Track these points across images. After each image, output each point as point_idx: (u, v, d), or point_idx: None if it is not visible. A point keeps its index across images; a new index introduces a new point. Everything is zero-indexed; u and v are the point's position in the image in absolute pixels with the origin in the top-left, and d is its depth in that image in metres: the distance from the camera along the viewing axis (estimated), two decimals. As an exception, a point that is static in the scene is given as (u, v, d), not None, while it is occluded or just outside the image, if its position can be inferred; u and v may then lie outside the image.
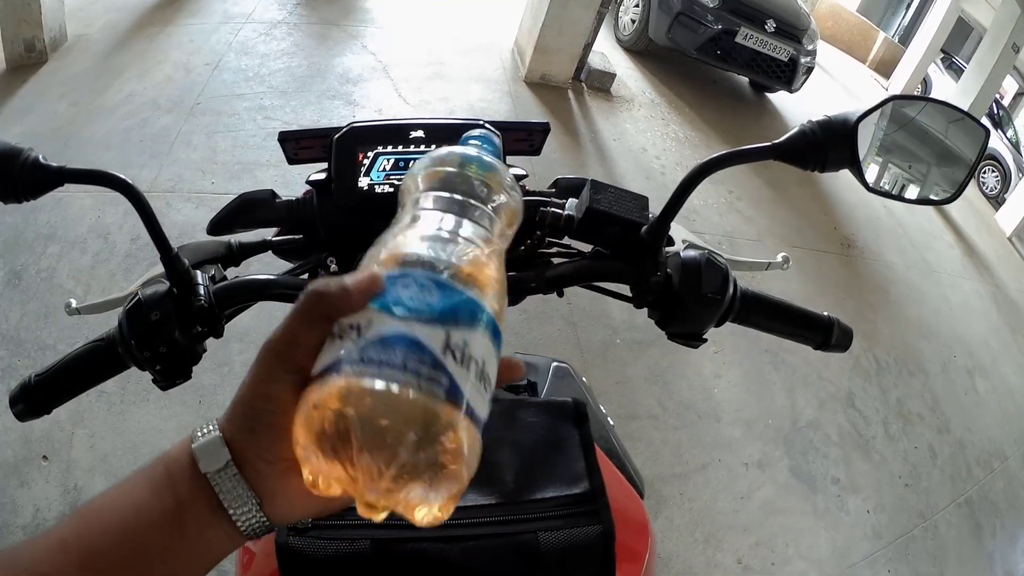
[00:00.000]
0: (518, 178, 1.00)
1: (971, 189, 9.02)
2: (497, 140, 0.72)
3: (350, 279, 0.48)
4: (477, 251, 0.52)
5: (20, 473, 2.53)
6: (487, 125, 1.03)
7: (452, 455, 0.43)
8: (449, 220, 0.54)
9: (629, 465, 1.27)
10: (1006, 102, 11.71)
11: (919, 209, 6.79)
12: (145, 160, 4.05)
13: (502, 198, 0.59)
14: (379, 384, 0.42)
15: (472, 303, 0.48)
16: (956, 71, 12.12)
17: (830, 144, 0.88)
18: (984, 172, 10.61)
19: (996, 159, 10.52)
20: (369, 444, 0.42)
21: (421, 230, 0.53)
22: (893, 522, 3.42)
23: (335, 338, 0.47)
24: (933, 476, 3.80)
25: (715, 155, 0.91)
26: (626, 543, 0.90)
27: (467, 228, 0.54)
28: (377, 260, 0.51)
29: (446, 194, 0.57)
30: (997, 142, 10.72)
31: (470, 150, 0.63)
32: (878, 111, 0.91)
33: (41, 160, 0.84)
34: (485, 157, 0.61)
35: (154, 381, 0.94)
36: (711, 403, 3.57)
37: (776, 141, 0.90)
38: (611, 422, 1.37)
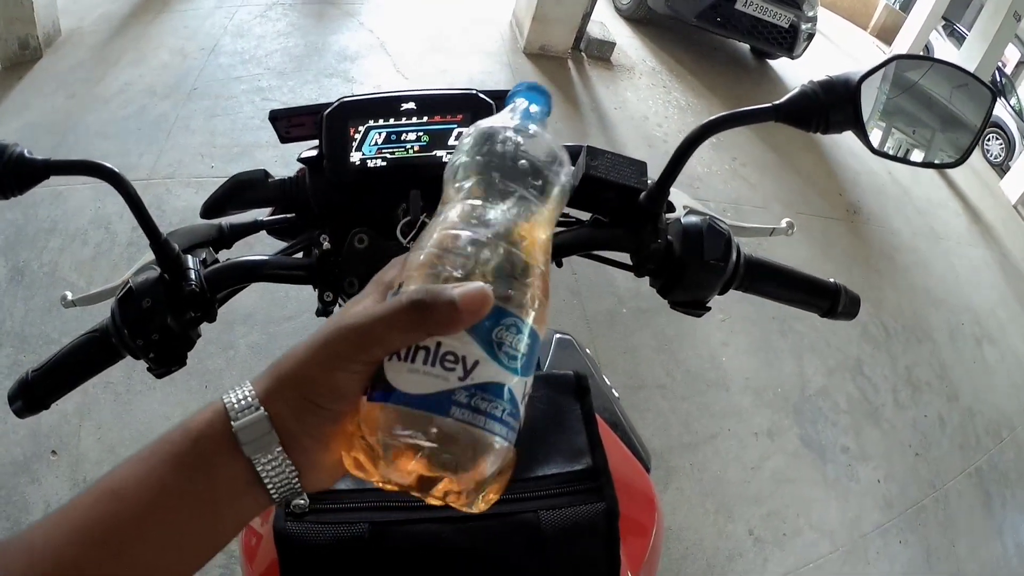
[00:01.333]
0: None
1: (975, 156, 8.99)
2: (545, 100, 0.71)
3: (459, 293, 0.46)
4: (541, 270, 0.54)
5: (30, 470, 2.53)
6: (481, 95, 1.02)
7: (501, 486, 0.51)
8: (519, 247, 0.54)
9: (635, 438, 1.25)
10: (1009, 70, 11.61)
11: (924, 176, 6.77)
12: (144, 147, 4.05)
13: (555, 190, 0.59)
14: (479, 433, 0.47)
15: (539, 344, 0.53)
16: (958, 38, 12.03)
17: (832, 105, 0.85)
18: (988, 140, 10.57)
19: (1000, 127, 10.47)
20: (435, 470, 0.47)
21: (491, 248, 0.53)
22: (904, 492, 3.42)
23: (434, 360, 0.48)
24: (943, 445, 3.80)
25: (714, 117, 0.89)
26: (632, 517, 0.89)
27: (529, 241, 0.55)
28: (463, 289, 0.48)
29: (512, 194, 0.57)
30: (1001, 110, 10.64)
31: (525, 118, 0.64)
32: (881, 71, 0.89)
33: (26, 154, 0.85)
34: (543, 141, 0.61)
35: (149, 369, 0.93)
36: (719, 372, 3.56)
37: (777, 102, 0.87)
38: (616, 394, 1.35)
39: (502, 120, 0.63)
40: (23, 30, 4.80)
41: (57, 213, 3.53)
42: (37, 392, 0.95)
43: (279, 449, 0.48)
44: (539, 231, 0.57)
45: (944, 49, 12.23)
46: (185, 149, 4.09)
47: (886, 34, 14.16)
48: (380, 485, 0.51)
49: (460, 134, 0.99)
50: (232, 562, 2.33)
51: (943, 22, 12.33)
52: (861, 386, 3.87)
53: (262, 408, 0.49)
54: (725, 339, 3.74)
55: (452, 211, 0.56)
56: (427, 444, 0.46)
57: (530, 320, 0.52)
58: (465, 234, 0.53)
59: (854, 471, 3.40)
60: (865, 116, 0.85)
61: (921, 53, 11.10)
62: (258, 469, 0.48)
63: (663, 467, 3.00)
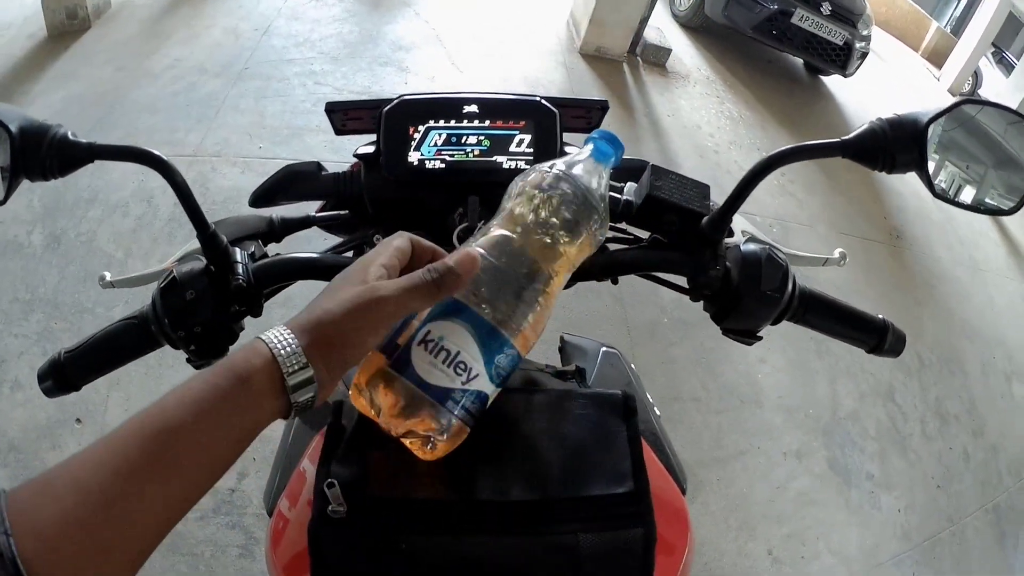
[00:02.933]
0: None
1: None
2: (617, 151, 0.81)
3: (454, 261, 0.65)
4: (540, 323, 0.73)
5: (53, 435, 2.55)
6: (545, 102, 1.02)
7: (449, 447, 0.71)
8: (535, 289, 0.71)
9: (672, 458, 1.25)
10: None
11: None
12: (192, 124, 4.07)
13: (594, 228, 0.75)
14: (454, 422, 0.69)
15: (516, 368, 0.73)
16: (1007, 66, 11.90)
17: (899, 145, 0.84)
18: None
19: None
20: (420, 433, 0.69)
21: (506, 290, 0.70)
22: (923, 523, 3.37)
23: (450, 363, 0.68)
24: (965, 479, 3.74)
25: (782, 149, 0.88)
26: (664, 537, 0.89)
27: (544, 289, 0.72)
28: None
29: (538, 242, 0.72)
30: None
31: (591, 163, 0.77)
32: (950, 113, 0.87)
33: (70, 137, 0.83)
34: (590, 199, 0.74)
35: (188, 360, 0.93)
36: (754, 388, 3.54)
37: (845, 138, 0.86)
38: (657, 412, 1.35)
39: (565, 165, 0.75)
40: (72, 0, 4.80)
41: (99, 183, 3.55)
42: (68, 374, 0.93)
43: (315, 393, 0.61)
44: (556, 275, 0.72)
45: (993, 77, 12.10)
46: (233, 128, 4.10)
47: (936, 57, 13.99)
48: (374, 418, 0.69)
49: (522, 141, 0.99)
50: (251, 543, 2.37)
51: (993, 49, 12.19)
52: (891, 413, 3.83)
53: (310, 368, 0.59)
54: (762, 356, 3.72)
55: (494, 233, 0.72)
56: (428, 422, 0.67)
57: (522, 351, 0.71)
58: (495, 264, 0.69)
59: (877, 499, 3.37)
60: (930, 159, 0.85)
61: (968, 85, 11.05)
62: (294, 405, 0.60)
63: (691, 480, 2.94)
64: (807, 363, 3.83)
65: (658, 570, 0.76)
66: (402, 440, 0.70)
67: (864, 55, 7.38)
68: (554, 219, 0.71)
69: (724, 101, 6.18)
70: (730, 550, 2.86)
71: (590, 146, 0.79)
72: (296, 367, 0.59)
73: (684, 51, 6.79)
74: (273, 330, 0.60)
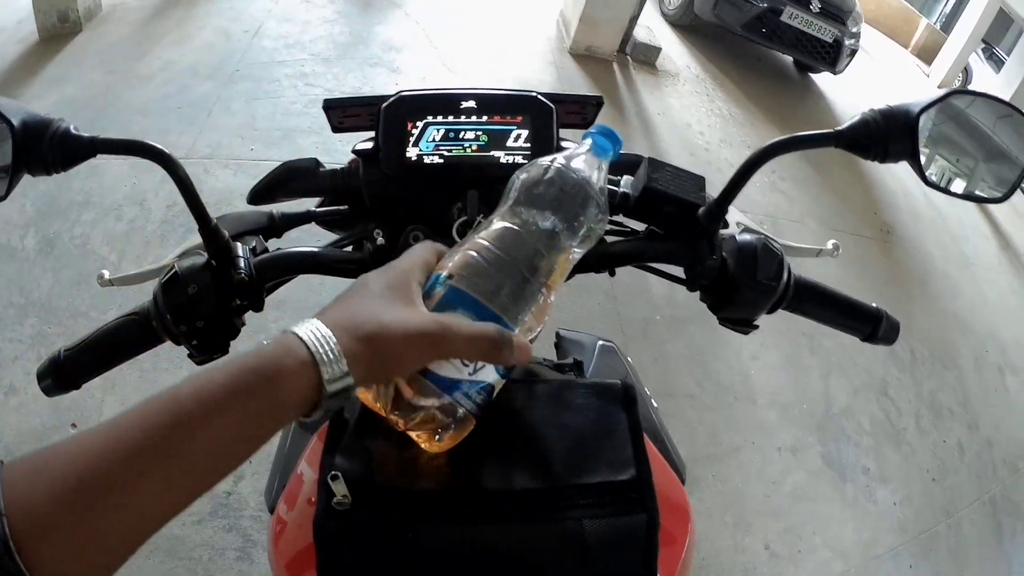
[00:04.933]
0: None
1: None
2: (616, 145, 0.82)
3: (518, 344, 0.66)
4: (541, 314, 0.74)
5: (48, 440, 2.48)
6: (542, 97, 1.02)
7: (458, 437, 0.71)
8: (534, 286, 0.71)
9: (671, 449, 1.25)
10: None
11: (958, 200, 6.68)
12: (184, 127, 4.06)
13: (593, 224, 0.75)
14: (461, 411, 0.69)
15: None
16: (997, 62, 11.92)
17: (892, 134, 0.86)
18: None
19: (1033, 152, 10.37)
20: (428, 426, 0.69)
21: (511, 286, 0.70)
22: (918, 516, 3.40)
23: None
24: (960, 472, 3.77)
25: (777, 139, 0.89)
26: (667, 527, 0.89)
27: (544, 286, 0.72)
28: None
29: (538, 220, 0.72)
30: (1032, 135, 10.54)
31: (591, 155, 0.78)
32: (940, 104, 0.89)
33: (72, 131, 0.82)
34: (590, 191, 0.75)
35: (190, 356, 0.92)
36: (748, 385, 3.56)
37: (838, 129, 0.88)
38: (655, 404, 1.35)
39: (564, 159, 0.76)
40: (63, 3, 4.78)
41: (92, 186, 3.54)
42: (68, 371, 0.92)
43: (347, 399, 0.59)
44: (558, 267, 0.73)
45: (983, 72, 12.12)
46: (225, 130, 4.10)
47: (926, 54, 14.03)
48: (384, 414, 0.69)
49: (519, 136, 1.00)
50: (248, 545, 2.36)
51: (983, 45, 12.23)
52: (885, 408, 3.85)
53: (351, 376, 0.57)
54: (756, 353, 3.73)
55: (497, 225, 0.72)
56: (436, 415, 0.68)
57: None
58: (499, 255, 0.69)
59: (872, 492, 3.39)
60: (921, 148, 0.87)
61: (959, 81, 11.09)
62: (323, 410, 0.58)
63: (687, 476, 2.98)
64: (800, 359, 3.85)
65: (661, 558, 0.76)
66: (409, 433, 0.70)
67: (853, 52, 7.41)
68: (555, 211, 0.72)
69: (714, 99, 6.20)
70: (727, 546, 2.87)
71: (589, 141, 0.80)
72: (338, 374, 0.56)
73: (674, 50, 6.81)
74: (308, 325, 0.58)
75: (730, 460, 3.18)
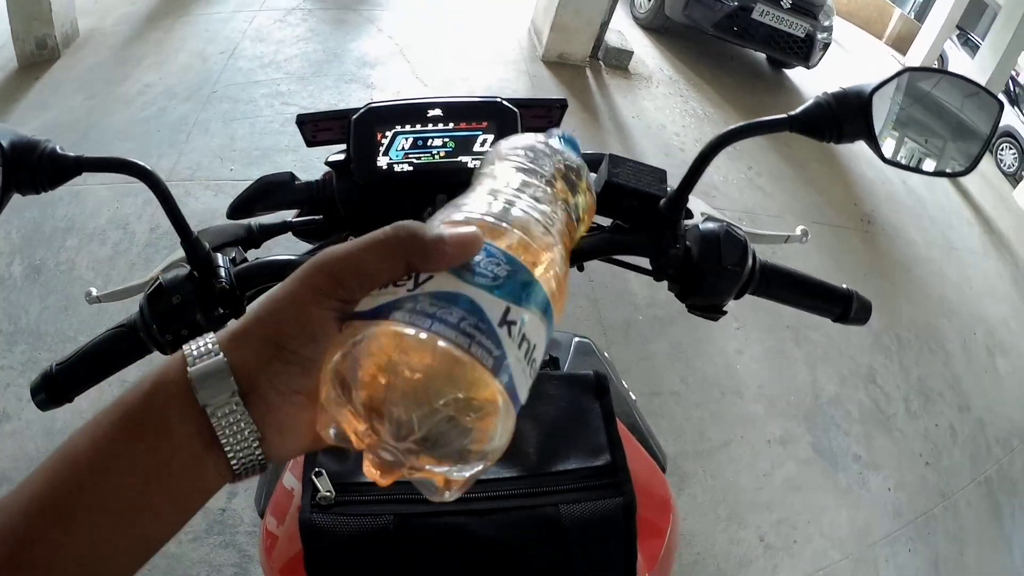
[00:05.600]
0: None
1: (989, 166, 8.94)
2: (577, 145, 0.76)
3: (448, 231, 0.46)
4: (550, 238, 0.53)
5: None
6: (506, 103, 1.05)
7: (483, 430, 0.43)
8: (526, 201, 0.54)
9: (651, 440, 1.26)
10: (1023, 79, 11.56)
11: (938, 186, 6.75)
12: (164, 149, 4.07)
13: (580, 198, 0.62)
14: (428, 336, 0.41)
15: (537, 286, 0.48)
16: (972, 47, 11.95)
17: (845, 116, 0.88)
18: (1001, 150, 10.51)
19: (1013, 136, 10.40)
20: (406, 397, 0.41)
21: (499, 201, 0.53)
22: (913, 500, 3.41)
23: (388, 281, 0.46)
24: (953, 455, 3.79)
25: (731, 127, 0.92)
26: (648, 519, 0.90)
27: (543, 210, 0.55)
28: (450, 220, 0.50)
29: (530, 177, 0.59)
30: (1014, 119, 10.58)
31: (559, 143, 0.67)
32: (893, 83, 0.92)
33: (58, 151, 0.85)
34: (573, 155, 0.65)
35: None
36: (733, 379, 3.57)
37: (792, 113, 0.90)
38: (633, 397, 1.37)
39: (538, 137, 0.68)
40: (41, 30, 4.83)
41: (75, 212, 3.56)
42: (61, 385, 0.94)
43: (236, 400, 0.44)
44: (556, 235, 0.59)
45: (958, 58, 12.19)
46: (204, 152, 4.11)
47: (901, 43, 14.11)
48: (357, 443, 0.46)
49: (485, 140, 1.03)
50: (245, 561, 2.36)
51: (957, 31, 12.28)
52: (873, 395, 3.87)
53: (222, 354, 0.44)
54: (740, 347, 3.75)
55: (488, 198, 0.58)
56: (382, 354, 0.42)
57: (536, 274, 0.49)
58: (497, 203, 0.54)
59: (865, 479, 3.40)
60: (877, 127, 0.89)
61: (933, 65, 11.12)
62: (213, 423, 0.43)
63: (677, 473, 3.01)
64: (785, 351, 3.86)
65: (642, 550, 0.77)
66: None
67: (827, 46, 7.45)
68: (538, 177, 0.64)
69: (688, 100, 6.22)
70: (721, 539, 2.88)
71: (555, 131, 0.76)
72: (201, 352, 0.45)
73: (646, 53, 6.83)
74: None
75: (720, 455, 3.19)
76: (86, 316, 2.96)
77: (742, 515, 3.00)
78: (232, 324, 0.46)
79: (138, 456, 0.43)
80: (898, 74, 0.93)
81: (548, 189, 0.58)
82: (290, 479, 0.98)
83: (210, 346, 0.45)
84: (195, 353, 0.45)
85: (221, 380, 0.43)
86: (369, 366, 0.41)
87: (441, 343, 0.41)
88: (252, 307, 0.53)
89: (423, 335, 0.41)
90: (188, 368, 0.44)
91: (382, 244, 0.46)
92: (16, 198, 0.85)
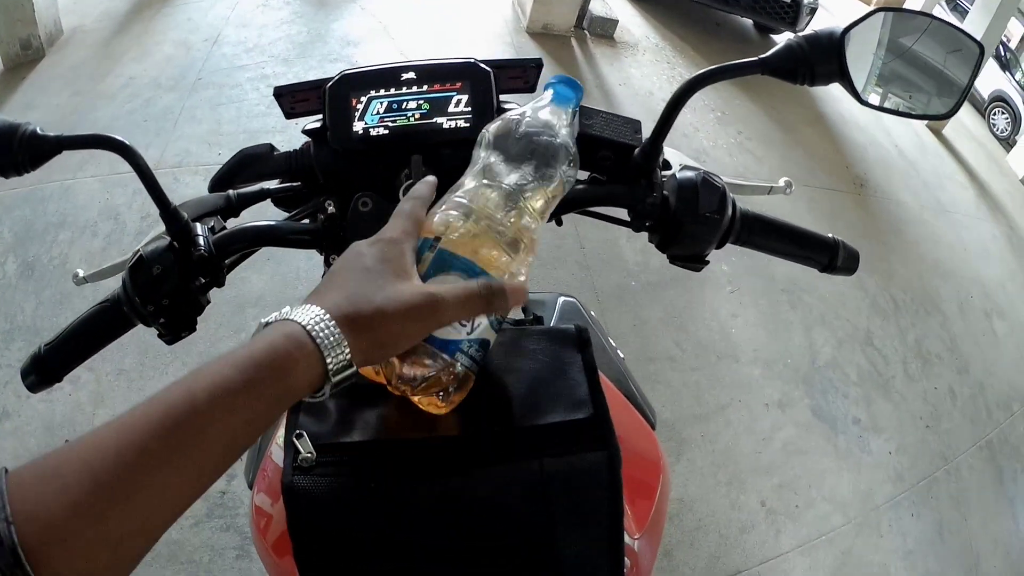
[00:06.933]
0: None
1: (982, 130, 8.92)
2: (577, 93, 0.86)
3: (510, 288, 0.68)
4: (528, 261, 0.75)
5: None
6: (480, 63, 1.04)
7: (464, 393, 0.73)
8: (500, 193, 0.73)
9: (640, 397, 1.26)
10: (1013, 44, 11.54)
11: (931, 149, 6.77)
12: (151, 138, 4.06)
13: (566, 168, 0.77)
14: (463, 371, 0.71)
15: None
16: (961, 13, 11.93)
17: (817, 57, 0.89)
18: (994, 114, 10.53)
19: (1006, 101, 10.43)
20: (432, 388, 0.71)
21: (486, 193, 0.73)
22: (915, 464, 3.42)
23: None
24: (954, 417, 3.79)
25: (702, 71, 0.92)
26: (637, 477, 0.89)
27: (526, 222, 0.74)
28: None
29: (511, 162, 0.75)
30: (1006, 84, 10.64)
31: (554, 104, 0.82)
32: (866, 22, 0.91)
33: (39, 132, 0.88)
34: (558, 139, 0.77)
35: (160, 336, 0.95)
36: (729, 343, 3.57)
37: (763, 56, 0.90)
38: (621, 355, 1.36)
39: (531, 110, 0.79)
40: (24, 30, 4.81)
41: (66, 207, 3.56)
42: (50, 365, 0.96)
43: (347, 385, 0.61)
44: (538, 217, 0.75)
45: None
46: (192, 138, 4.11)
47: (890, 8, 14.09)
48: (388, 385, 0.71)
49: (459, 101, 1.02)
50: (247, 543, 2.38)
51: (946, -6, 12.29)
52: (871, 358, 3.87)
53: (354, 366, 0.59)
54: (734, 311, 3.74)
55: (472, 182, 0.74)
56: (440, 377, 0.69)
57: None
58: (479, 211, 0.71)
59: (866, 443, 3.41)
60: (852, 69, 0.88)
61: (902, 7, 11.09)
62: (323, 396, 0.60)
63: (675, 438, 3.02)
64: (780, 315, 3.86)
65: (631, 510, 0.76)
66: (414, 399, 0.72)
67: (813, 10, 7.37)
68: (527, 162, 0.75)
69: (675, 66, 6.20)
70: (722, 505, 2.89)
71: (549, 91, 0.83)
72: (342, 364, 0.58)
73: (631, 21, 6.80)
74: (308, 312, 0.59)
75: (717, 419, 3.20)
76: (81, 307, 2.89)
77: (742, 480, 3.01)
78: (349, 316, 0.60)
79: (261, 417, 0.55)
80: (871, 13, 0.93)
81: (533, 176, 0.74)
82: (277, 452, 0.98)
83: (344, 351, 0.59)
84: (329, 348, 0.58)
85: (351, 380, 0.61)
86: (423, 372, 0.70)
87: (468, 373, 0.73)
88: (366, 315, 0.61)
89: (461, 371, 0.71)
90: (330, 373, 0.58)
91: (477, 304, 0.67)
92: (7, 195, 0.87)
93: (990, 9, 8.71)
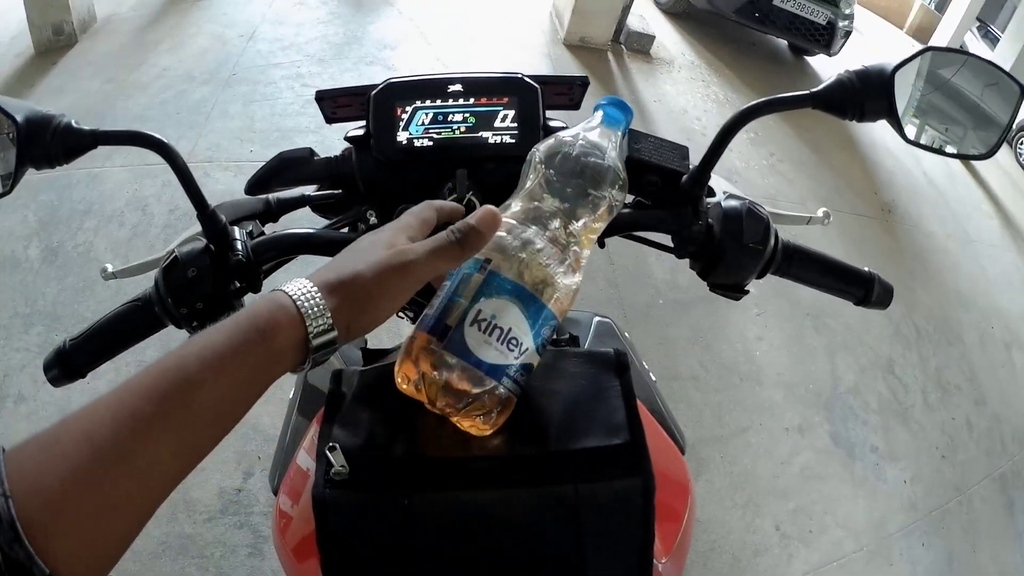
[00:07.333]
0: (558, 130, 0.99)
1: (1008, 160, 8.86)
2: (627, 115, 0.85)
3: (475, 220, 0.67)
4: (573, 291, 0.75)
5: None
6: (527, 79, 1.04)
7: (507, 415, 0.72)
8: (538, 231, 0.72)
9: (671, 421, 1.25)
10: (1042, 73, 11.47)
11: (959, 177, 6.70)
12: (183, 131, 4.08)
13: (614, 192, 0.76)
14: (506, 395, 0.70)
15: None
16: (992, 40, 11.86)
17: (867, 93, 0.88)
18: (1021, 143, 10.45)
19: (1032, 131, 10.36)
20: (475, 412, 0.70)
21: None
22: (929, 494, 3.39)
23: (503, 340, 0.69)
24: (969, 449, 3.75)
25: (753, 103, 0.91)
26: (665, 502, 0.89)
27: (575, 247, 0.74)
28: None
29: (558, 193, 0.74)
30: (1033, 114, 10.52)
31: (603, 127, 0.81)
32: (915, 62, 0.90)
33: (74, 125, 0.87)
34: (608, 162, 0.76)
35: None
36: (753, 366, 3.56)
37: (814, 89, 0.90)
38: (653, 377, 1.36)
39: (581, 131, 0.79)
40: (57, 16, 4.83)
41: (93, 195, 3.58)
42: (75, 360, 0.94)
43: (331, 351, 0.62)
44: (586, 241, 0.75)
45: (978, 50, 12.03)
46: (224, 133, 4.12)
47: (922, 34, 14.02)
48: (427, 404, 0.70)
49: (506, 116, 1.02)
50: (260, 541, 2.37)
51: (978, 23, 12.18)
52: (892, 386, 3.84)
53: (335, 329, 0.60)
54: (760, 334, 3.73)
55: (522, 204, 0.74)
56: (485, 400, 0.68)
57: (559, 318, 0.73)
58: (530, 234, 0.71)
59: (882, 471, 3.38)
60: (900, 106, 0.88)
61: (952, 46, 11.01)
62: (310, 362, 0.61)
63: (694, 458, 3.00)
64: (805, 339, 3.84)
65: (659, 533, 0.76)
66: (457, 420, 0.71)
67: (848, 34, 7.39)
68: (578, 185, 0.74)
69: (710, 85, 6.19)
70: (737, 527, 2.88)
71: (600, 113, 0.82)
72: (323, 328, 0.60)
73: (667, 37, 6.80)
74: (297, 283, 0.61)
75: (737, 441, 3.18)
76: (104, 297, 2.97)
77: (759, 503, 2.99)
78: (333, 290, 0.62)
79: (251, 382, 0.57)
80: (921, 52, 0.92)
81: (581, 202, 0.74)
82: (304, 458, 0.97)
83: (325, 314, 0.60)
84: (310, 312, 0.60)
85: (333, 349, 0.62)
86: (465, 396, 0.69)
87: (511, 397, 0.72)
88: (346, 280, 0.63)
89: (505, 394, 0.70)
90: (310, 336, 0.59)
91: (451, 250, 0.66)
92: (33, 179, 0.86)
93: (1021, 37, 8.66)
